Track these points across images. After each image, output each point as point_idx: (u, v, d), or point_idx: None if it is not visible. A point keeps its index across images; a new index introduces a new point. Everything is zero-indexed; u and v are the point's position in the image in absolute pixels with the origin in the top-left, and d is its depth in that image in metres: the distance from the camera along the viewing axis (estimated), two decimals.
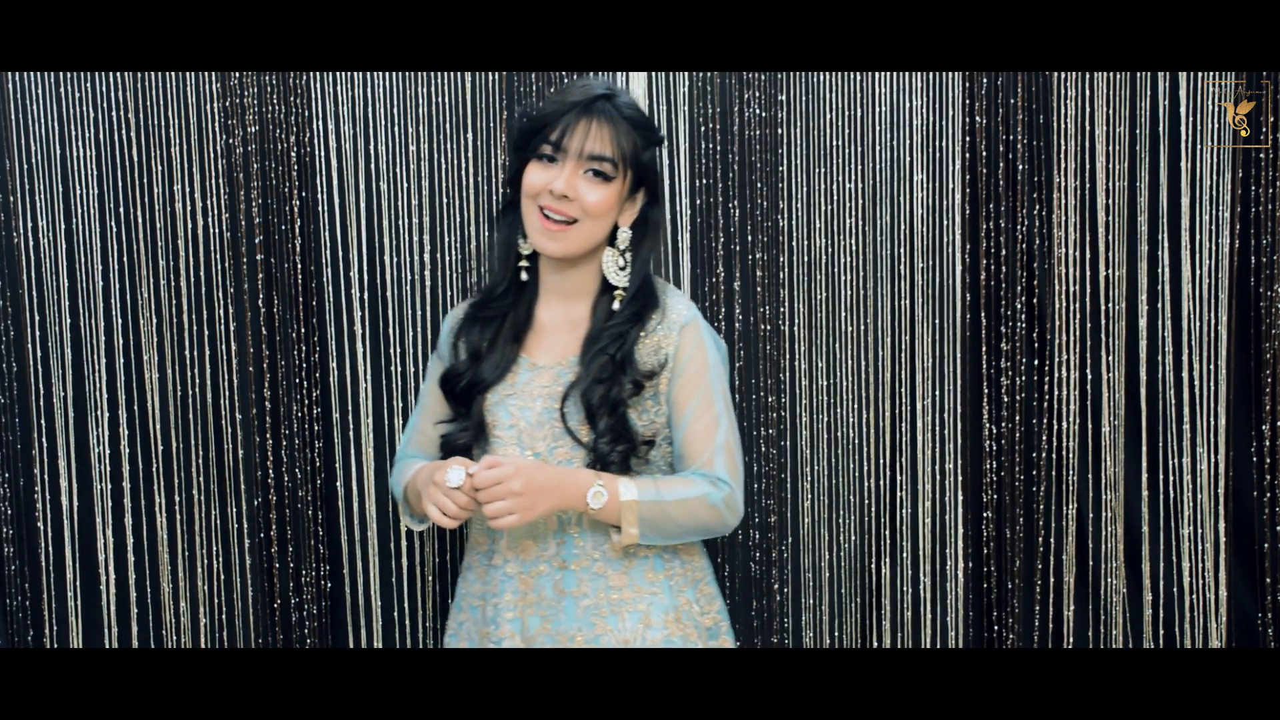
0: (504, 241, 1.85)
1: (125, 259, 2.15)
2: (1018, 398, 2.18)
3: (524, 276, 1.84)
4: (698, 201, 2.16)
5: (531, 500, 1.66)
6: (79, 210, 2.14)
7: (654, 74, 2.14)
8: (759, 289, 2.17)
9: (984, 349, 2.18)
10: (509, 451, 1.77)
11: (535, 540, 1.77)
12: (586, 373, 1.75)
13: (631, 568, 1.77)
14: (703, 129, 2.16)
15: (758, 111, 2.15)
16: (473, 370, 1.81)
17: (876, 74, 2.14)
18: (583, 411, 1.74)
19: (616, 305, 1.79)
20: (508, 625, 1.76)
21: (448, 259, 2.17)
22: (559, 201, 1.73)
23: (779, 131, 2.16)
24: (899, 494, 2.20)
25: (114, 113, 2.13)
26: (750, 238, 2.17)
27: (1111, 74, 2.12)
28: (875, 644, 2.22)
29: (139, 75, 2.12)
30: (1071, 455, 2.17)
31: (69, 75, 2.11)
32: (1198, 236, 2.15)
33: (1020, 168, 2.15)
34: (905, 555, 2.20)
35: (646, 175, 1.80)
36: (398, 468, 1.93)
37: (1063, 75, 2.12)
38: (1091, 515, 2.18)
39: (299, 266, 2.16)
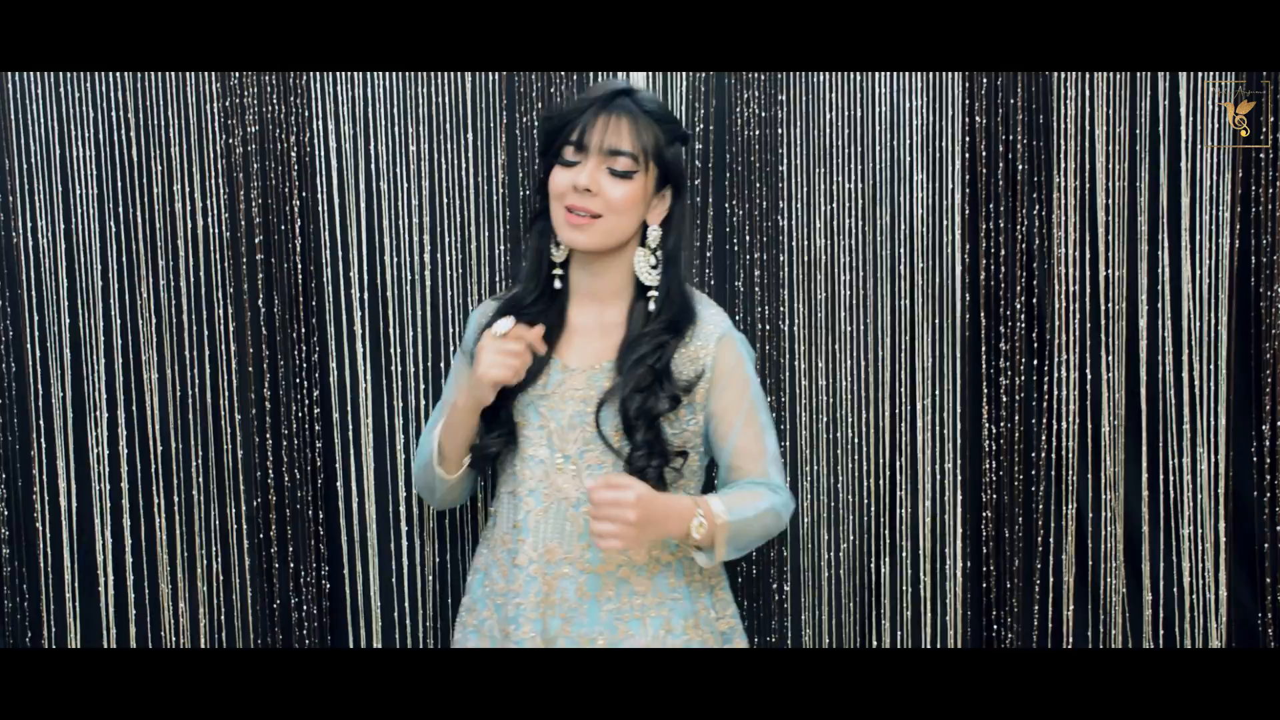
0: (535, 249, 1.86)
1: (125, 259, 2.15)
2: (1017, 398, 2.17)
3: (557, 284, 1.85)
4: (696, 202, 2.16)
5: (641, 532, 1.65)
6: (79, 210, 2.14)
7: (652, 74, 2.14)
8: (758, 289, 2.17)
9: (983, 349, 2.18)
10: (538, 453, 1.78)
11: (561, 543, 1.77)
12: (625, 381, 1.75)
13: (656, 574, 1.78)
14: (701, 129, 2.16)
15: (757, 111, 2.15)
16: None
17: (876, 74, 2.14)
18: (619, 419, 1.75)
19: (652, 307, 1.79)
20: (529, 626, 1.76)
21: (448, 259, 2.17)
22: (582, 197, 1.74)
23: (779, 131, 2.16)
24: (898, 494, 2.20)
25: (114, 113, 2.13)
26: (750, 238, 2.17)
27: (1111, 74, 2.12)
28: (874, 644, 2.22)
29: (139, 75, 2.12)
30: (1071, 455, 2.17)
31: (69, 75, 2.11)
32: (1198, 236, 2.15)
33: (1020, 168, 2.15)
34: (904, 555, 2.20)
35: (671, 171, 1.80)
36: (422, 443, 1.92)
37: (1063, 75, 2.12)
38: (1091, 515, 2.18)
39: (299, 266, 2.16)
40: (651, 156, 1.76)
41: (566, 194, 1.76)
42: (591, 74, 2.13)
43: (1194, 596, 2.20)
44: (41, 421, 2.16)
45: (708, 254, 2.17)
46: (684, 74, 2.15)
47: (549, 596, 1.76)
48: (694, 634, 1.77)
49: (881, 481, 2.20)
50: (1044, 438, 2.18)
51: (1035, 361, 2.17)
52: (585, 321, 1.84)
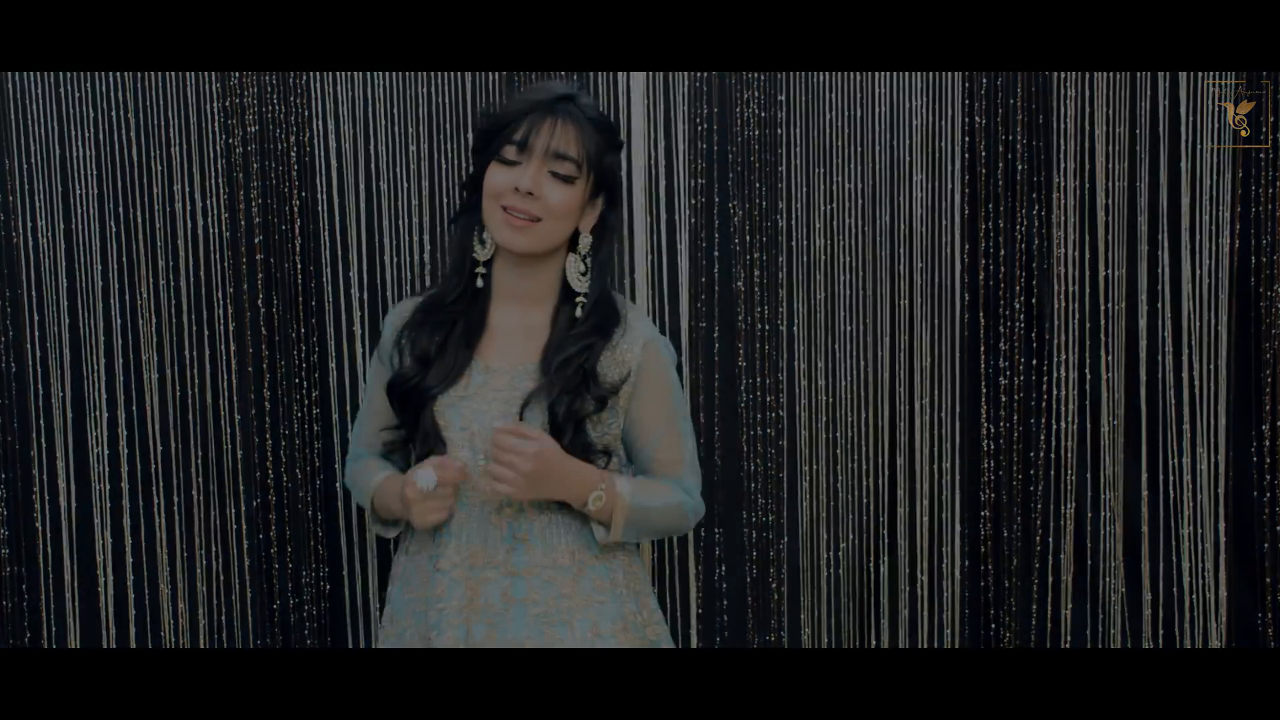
0: (459, 246, 1.83)
1: (125, 259, 2.15)
2: (1016, 397, 2.18)
3: (480, 283, 1.82)
4: (696, 201, 2.16)
5: (534, 484, 1.67)
6: (79, 210, 2.14)
7: (652, 74, 2.14)
8: (758, 289, 2.17)
9: (983, 349, 2.18)
10: (461, 455, 1.76)
11: (485, 546, 1.75)
12: (553, 381, 1.73)
13: (581, 576, 1.76)
14: (701, 129, 2.16)
15: (757, 111, 2.15)
16: (420, 376, 1.78)
17: (876, 74, 2.14)
18: (544, 419, 1.73)
19: (579, 313, 1.78)
20: (452, 631, 1.73)
21: (448, 259, 2.17)
22: (524, 200, 1.71)
23: (778, 131, 2.16)
24: (898, 493, 2.20)
25: (114, 113, 2.13)
26: (750, 238, 2.17)
27: (1111, 74, 2.12)
28: (873, 643, 2.22)
29: (139, 75, 2.12)
30: (1070, 455, 2.17)
31: (69, 75, 2.11)
32: (1198, 236, 2.15)
33: (1020, 168, 2.15)
34: (903, 554, 2.20)
35: (607, 179, 1.79)
36: (350, 468, 1.92)
37: (1063, 75, 2.12)
38: (1090, 515, 2.18)
39: (299, 266, 2.16)
40: (592, 164, 1.75)
41: (505, 194, 1.73)
42: (592, 74, 2.13)
43: (1194, 596, 2.20)
44: (41, 421, 2.16)
45: (714, 253, 2.18)
46: (684, 74, 2.15)
47: (473, 601, 1.73)
48: (624, 637, 1.75)
49: (881, 481, 2.20)
50: (1043, 437, 2.18)
51: (1035, 361, 2.17)
52: (508, 323, 1.81)
